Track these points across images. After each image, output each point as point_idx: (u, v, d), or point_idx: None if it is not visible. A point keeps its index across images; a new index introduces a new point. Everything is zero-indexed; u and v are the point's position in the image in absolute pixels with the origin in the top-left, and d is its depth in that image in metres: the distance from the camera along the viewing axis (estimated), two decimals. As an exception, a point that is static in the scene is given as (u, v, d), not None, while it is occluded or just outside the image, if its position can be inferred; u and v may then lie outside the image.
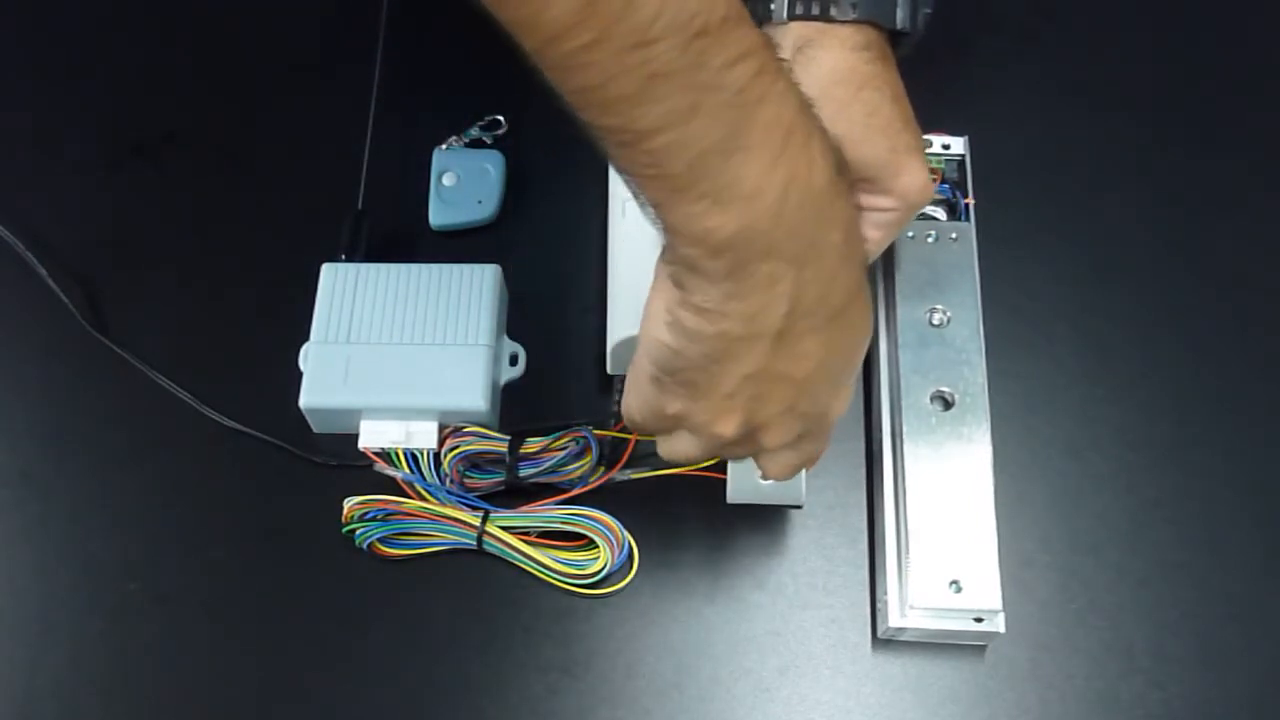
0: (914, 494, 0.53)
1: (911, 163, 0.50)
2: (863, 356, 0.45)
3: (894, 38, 0.51)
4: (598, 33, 0.34)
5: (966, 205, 0.61)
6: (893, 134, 0.50)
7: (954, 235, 0.58)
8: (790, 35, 0.50)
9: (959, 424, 0.54)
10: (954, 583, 0.51)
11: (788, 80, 0.38)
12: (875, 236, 0.52)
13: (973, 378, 0.55)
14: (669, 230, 0.40)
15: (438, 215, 0.63)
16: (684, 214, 0.38)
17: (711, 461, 0.50)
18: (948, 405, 0.55)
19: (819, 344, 0.42)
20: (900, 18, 0.50)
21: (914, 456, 0.54)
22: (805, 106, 0.39)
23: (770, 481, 0.56)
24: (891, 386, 0.56)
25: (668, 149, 0.36)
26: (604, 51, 0.34)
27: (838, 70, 0.49)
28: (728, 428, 0.43)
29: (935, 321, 0.57)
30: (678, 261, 0.41)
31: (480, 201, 0.64)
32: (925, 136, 0.62)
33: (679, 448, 0.47)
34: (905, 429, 0.54)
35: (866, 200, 0.51)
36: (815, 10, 0.49)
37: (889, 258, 0.59)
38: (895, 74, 0.51)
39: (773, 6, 0.50)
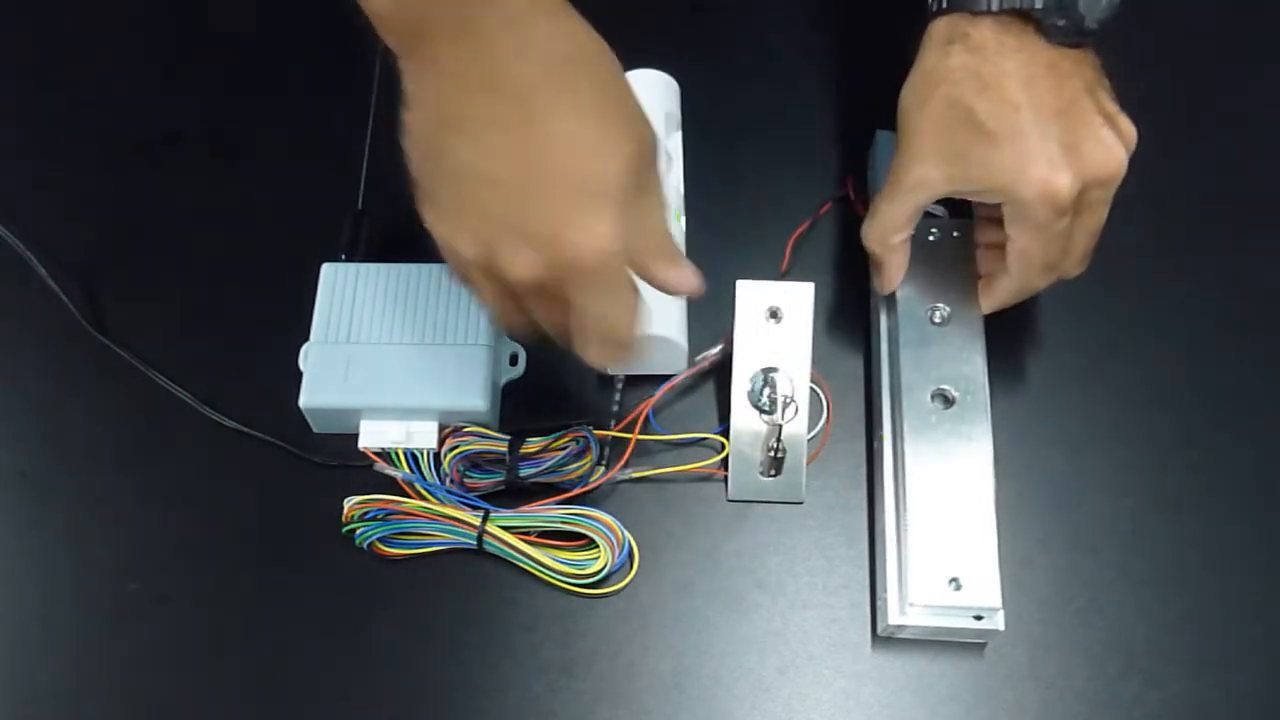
0: (914, 492, 0.53)
1: (997, 155, 0.49)
2: (605, 175, 0.42)
3: (1041, 27, 0.49)
4: None
5: (968, 204, 0.61)
6: (979, 128, 0.49)
7: (956, 233, 0.58)
8: (936, 32, 0.51)
9: (959, 422, 0.54)
10: (954, 580, 0.51)
11: None
12: (1014, 235, 0.51)
13: (973, 376, 0.55)
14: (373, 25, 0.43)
15: (438, 215, 0.63)
16: None
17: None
18: (948, 404, 0.55)
19: (505, 139, 0.41)
20: (989, 2, 0.49)
21: (914, 455, 0.54)
22: None
23: (770, 479, 0.56)
24: (892, 385, 0.56)
25: None
26: None
27: (918, 74, 0.51)
28: (459, 240, 0.43)
29: (936, 319, 0.57)
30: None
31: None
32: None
33: (478, 293, 0.45)
34: (906, 427, 0.54)
35: (991, 197, 0.51)
36: (945, 3, 0.50)
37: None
38: (991, 67, 0.49)
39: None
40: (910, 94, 0.52)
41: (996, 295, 0.56)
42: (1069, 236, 0.51)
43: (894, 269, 0.56)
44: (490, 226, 0.42)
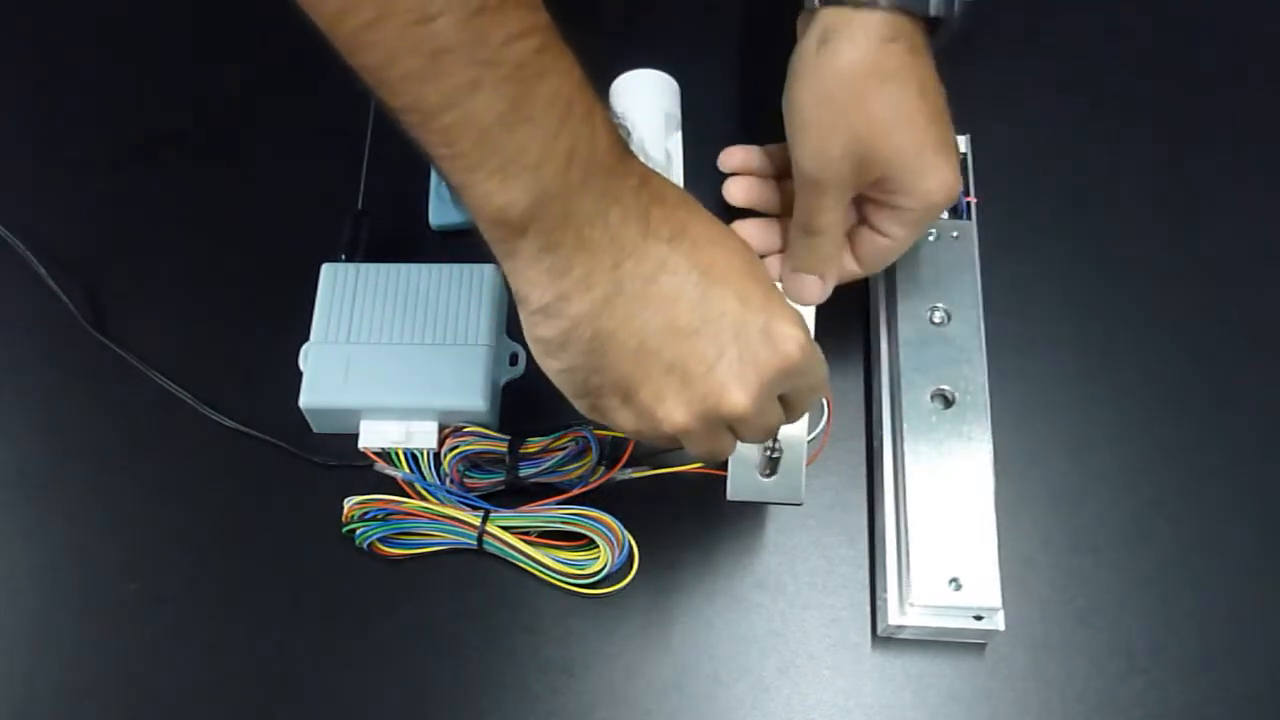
0: (914, 492, 0.53)
1: (934, 161, 0.50)
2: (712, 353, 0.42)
3: (931, 27, 0.50)
4: (380, 9, 0.35)
5: (968, 204, 0.61)
6: (916, 130, 0.49)
7: (955, 234, 0.58)
8: (818, 24, 0.50)
9: (959, 422, 0.54)
10: (954, 580, 0.51)
11: (570, 58, 0.40)
12: (898, 234, 0.53)
13: (973, 376, 0.55)
14: (476, 217, 0.40)
15: (438, 215, 0.63)
16: (481, 193, 0.39)
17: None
18: (948, 404, 0.55)
19: (678, 289, 0.41)
20: (935, 4, 0.49)
21: (914, 455, 0.54)
22: (585, 82, 0.40)
23: (770, 480, 0.56)
24: (892, 385, 0.56)
25: (455, 126, 0.37)
26: (387, 29, 0.35)
27: (861, 62, 0.49)
28: (672, 415, 0.42)
29: (936, 320, 0.57)
30: (496, 251, 0.41)
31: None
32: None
33: (690, 444, 0.45)
34: (906, 427, 0.54)
35: (887, 197, 0.51)
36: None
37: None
38: (927, 67, 0.50)
39: None
40: (841, 89, 0.50)
41: (827, 278, 0.55)
42: None
43: (839, 276, 0.56)
44: (693, 382, 0.42)
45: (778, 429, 0.47)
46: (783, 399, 0.45)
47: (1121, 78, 0.68)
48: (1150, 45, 0.69)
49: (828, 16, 0.50)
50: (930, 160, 0.50)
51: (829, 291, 0.56)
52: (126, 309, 0.62)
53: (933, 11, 0.49)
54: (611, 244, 0.40)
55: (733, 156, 0.61)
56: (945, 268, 0.58)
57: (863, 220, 0.54)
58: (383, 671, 0.54)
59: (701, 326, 0.41)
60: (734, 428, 0.44)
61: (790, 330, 0.42)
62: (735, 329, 0.42)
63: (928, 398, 0.55)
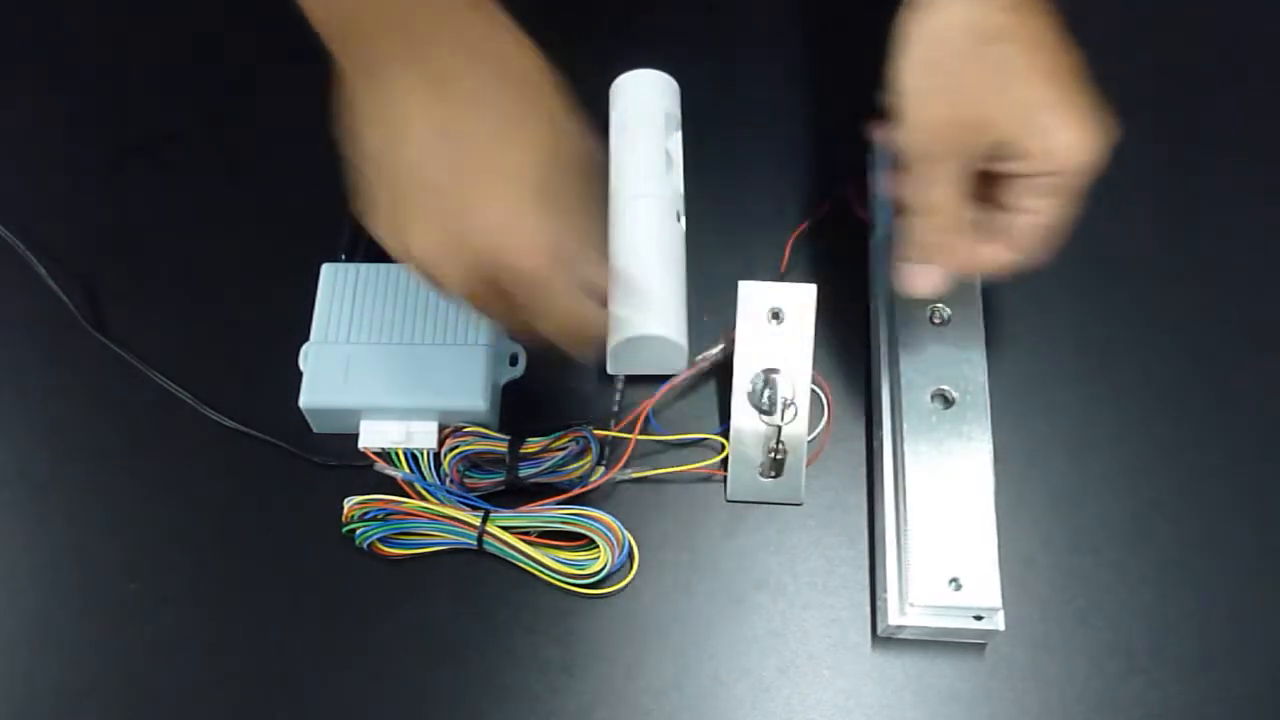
0: (914, 492, 0.53)
1: (1055, 117, 0.46)
2: (523, 176, 0.42)
3: None
4: None
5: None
6: (1029, 86, 0.46)
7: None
8: None
9: (959, 422, 0.54)
10: (954, 580, 0.51)
11: None
12: (1038, 206, 0.48)
13: (973, 376, 0.55)
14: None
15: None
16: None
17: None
18: (948, 404, 0.55)
19: (438, 144, 0.42)
20: None
21: (914, 455, 0.54)
22: None
23: (770, 480, 0.56)
24: (892, 385, 0.56)
25: None
26: None
27: (960, 22, 0.47)
28: (405, 246, 0.43)
29: (936, 320, 0.57)
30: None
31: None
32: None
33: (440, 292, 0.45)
34: (906, 427, 0.54)
35: (1012, 166, 0.48)
36: None
37: (889, 256, 0.59)
38: (1039, 24, 0.47)
39: None
40: (945, 50, 0.47)
41: (978, 266, 0.50)
42: None
43: (954, 263, 0.51)
44: (429, 232, 0.43)
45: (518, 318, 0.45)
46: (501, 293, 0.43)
47: (1121, 78, 0.68)
48: (1150, 46, 0.69)
49: None
50: (1050, 117, 0.46)
51: (947, 282, 0.51)
52: (126, 309, 0.62)
53: None
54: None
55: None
56: (945, 268, 0.58)
57: (1001, 204, 0.50)
58: (383, 671, 0.54)
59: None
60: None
61: (509, 240, 0.41)
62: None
63: (928, 398, 0.55)
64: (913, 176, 0.49)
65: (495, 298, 0.44)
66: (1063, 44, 0.48)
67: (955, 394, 0.55)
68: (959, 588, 0.51)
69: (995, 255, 0.50)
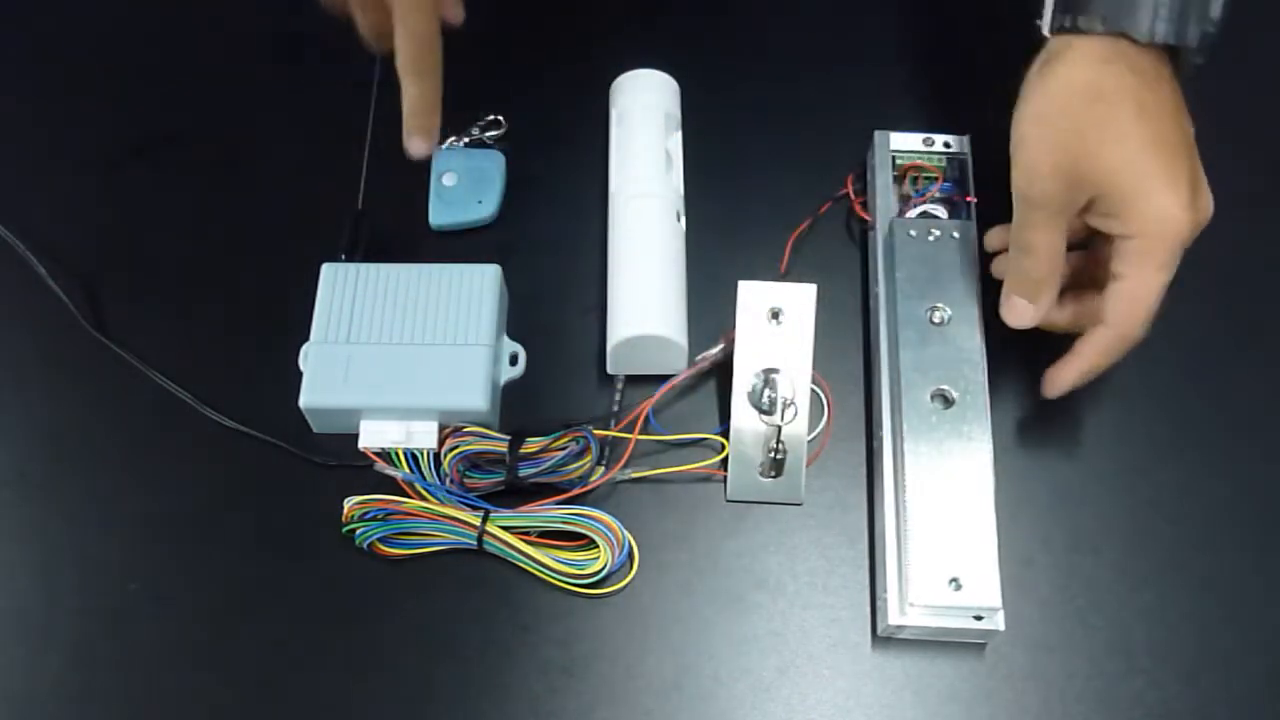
0: (914, 492, 0.53)
1: (1150, 185, 0.48)
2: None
3: (1173, 56, 0.50)
4: None
5: (969, 204, 0.61)
6: (1129, 150, 0.48)
7: (955, 234, 0.58)
8: (1045, 51, 0.51)
9: (959, 422, 0.54)
10: (954, 580, 0.51)
11: None
12: (1127, 274, 0.50)
13: (973, 376, 0.55)
14: None
15: (438, 215, 0.63)
16: None
17: None
18: (948, 403, 0.55)
19: None
20: (1154, 30, 0.49)
21: (914, 454, 0.54)
22: None
23: (770, 480, 0.56)
24: (892, 385, 0.56)
25: None
26: None
27: (1075, 81, 0.50)
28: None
29: (936, 320, 0.57)
30: None
31: (480, 201, 0.64)
32: (928, 135, 0.63)
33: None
34: (905, 427, 0.54)
35: (1105, 223, 0.51)
36: (1067, 23, 0.50)
37: (889, 256, 0.59)
38: (1153, 91, 0.49)
39: (1039, 23, 0.52)
40: (1052, 108, 0.50)
41: (1083, 357, 0.53)
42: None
43: (1051, 288, 0.54)
44: None
45: None
46: None
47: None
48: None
49: (1053, 43, 0.51)
50: (1146, 184, 0.48)
51: (1039, 316, 0.54)
52: (126, 309, 0.62)
53: (1144, 37, 0.49)
54: None
55: (995, 237, 0.59)
56: (945, 267, 0.58)
57: (1099, 264, 0.53)
58: (383, 671, 0.54)
59: None
60: None
61: None
62: None
63: (928, 397, 0.55)
64: (1017, 217, 0.53)
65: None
66: (1179, 113, 0.50)
67: (955, 394, 0.55)
68: (959, 588, 0.51)
69: (1085, 314, 0.54)
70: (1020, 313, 0.54)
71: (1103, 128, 0.49)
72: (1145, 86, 0.49)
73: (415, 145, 0.60)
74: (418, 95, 0.59)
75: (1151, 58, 0.50)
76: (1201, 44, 0.49)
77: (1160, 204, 0.48)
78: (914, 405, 0.55)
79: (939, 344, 0.56)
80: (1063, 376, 0.54)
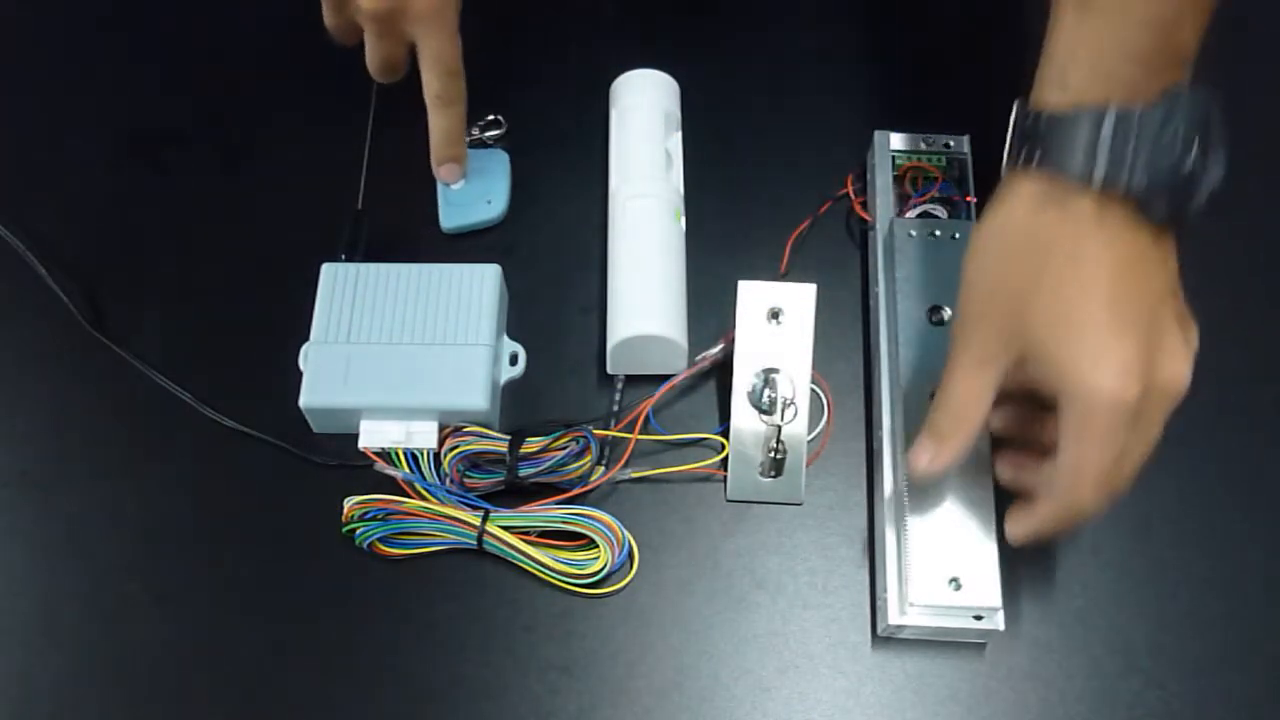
0: (914, 492, 0.53)
1: (1076, 350, 0.43)
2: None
3: (1142, 204, 0.43)
4: None
5: (968, 204, 0.61)
6: (1060, 301, 0.43)
7: (956, 234, 0.58)
8: (1001, 184, 0.47)
9: None
10: (954, 580, 0.51)
11: None
12: (1063, 446, 0.44)
13: None
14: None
15: (448, 218, 0.63)
16: None
17: None
18: None
19: None
20: (1090, 171, 0.42)
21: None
22: None
23: (770, 480, 0.56)
24: (892, 385, 0.56)
25: None
26: None
27: (1006, 226, 0.46)
28: None
29: (935, 320, 0.57)
30: None
31: (489, 201, 0.64)
32: (929, 135, 0.63)
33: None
34: (905, 426, 0.54)
35: (1041, 384, 0.46)
36: (1014, 158, 0.46)
37: (889, 256, 0.59)
38: (1100, 241, 0.43)
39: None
40: (988, 248, 0.47)
41: (1033, 519, 0.48)
42: (1122, 451, 0.44)
43: (958, 447, 0.49)
44: None
45: None
46: None
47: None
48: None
49: (1007, 178, 0.47)
50: (1074, 348, 0.43)
51: (939, 469, 0.49)
52: (126, 309, 0.62)
53: (1076, 179, 0.43)
54: None
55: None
56: (945, 268, 0.58)
57: (1045, 427, 0.48)
58: (383, 671, 0.54)
59: None
60: None
61: None
62: None
63: (928, 397, 0.55)
64: (948, 355, 0.49)
65: (391, 28, 0.56)
66: (1138, 266, 0.44)
67: None
68: (959, 588, 0.51)
69: (1028, 479, 0.49)
70: (918, 461, 0.49)
71: (1034, 279, 0.44)
72: (1086, 236, 0.43)
73: (448, 173, 0.62)
74: (447, 126, 0.60)
75: (1100, 203, 0.43)
76: (1156, 192, 0.42)
77: (1090, 370, 0.42)
78: (914, 405, 0.55)
79: (939, 344, 0.56)
80: (1015, 532, 0.49)
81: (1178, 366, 0.44)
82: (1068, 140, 0.43)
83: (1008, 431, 0.51)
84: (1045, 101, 0.45)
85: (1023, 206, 0.45)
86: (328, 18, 0.58)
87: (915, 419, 0.54)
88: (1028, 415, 0.50)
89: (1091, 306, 0.43)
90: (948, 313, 0.57)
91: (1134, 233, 0.43)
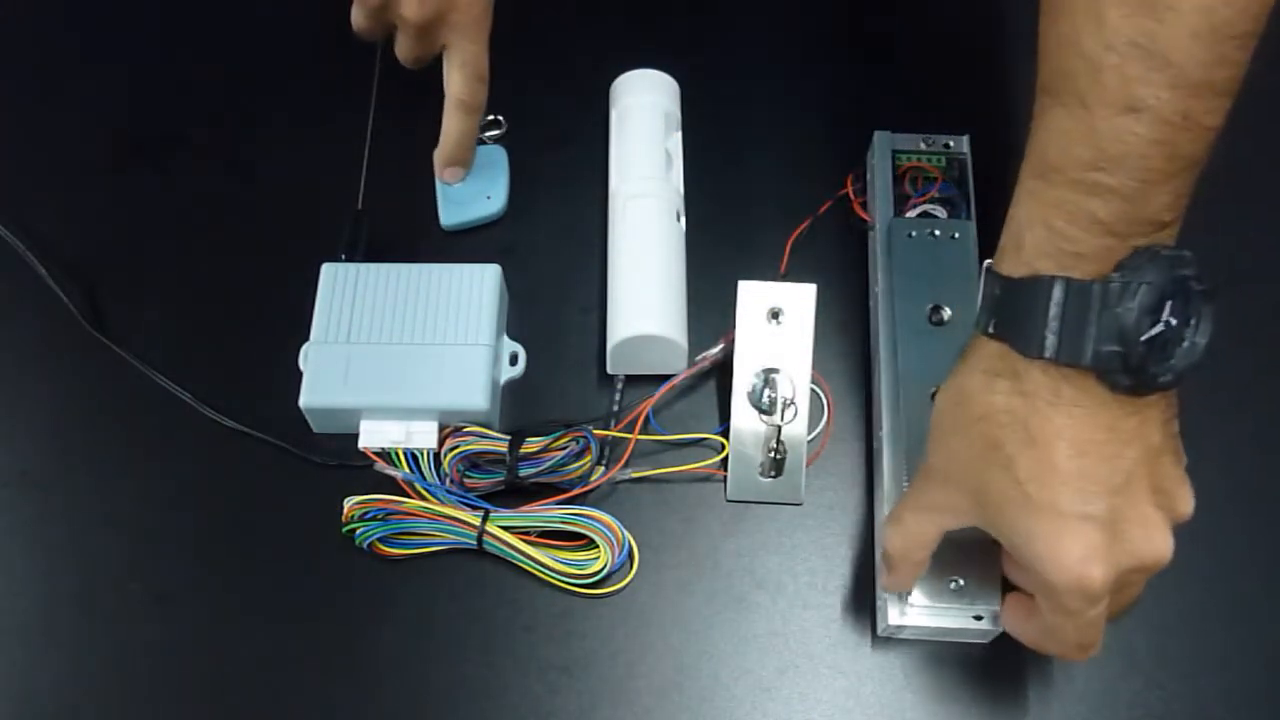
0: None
1: (1031, 529, 0.41)
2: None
3: (1103, 379, 0.40)
4: None
5: (968, 204, 0.61)
6: (1010, 488, 0.41)
7: (955, 234, 0.58)
8: (967, 342, 0.45)
9: None
10: (954, 580, 0.51)
11: None
12: (1038, 602, 0.44)
13: None
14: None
15: (448, 215, 0.63)
16: None
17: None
18: None
19: None
20: (1043, 343, 0.40)
21: (916, 453, 0.53)
22: None
23: (770, 480, 0.56)
24: (891, 385, 0.56)
25: None
26: None
27: (960, 392, 0.44)
28: None
29: (935, 320, 0.57)
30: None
31: (489, 197, 0.64)
32: (928, 136, 0.63)
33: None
34: (906, 427, 0.54)
35: (1009, 569, 0.46)
36: (977, 318, 0.44)
37: (889, 256, 0.59)
38: (1056, 417, 0.41)
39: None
40: (946, 412, 0.45)
41: (1024, 637, 0.47)
42: (1100, 615, 0.43)
43: (907, 578, 0.50)
44: None
45: None
46: None
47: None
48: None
49: (971, 340, 0.45)
50: (1029, 526, 0.41)
51: (899, 590, 0.51)
52: (126, 309, 0.62)
53: (1029, 351, 0.41)
54: None
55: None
56: (944, 268, 0.58)
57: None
58: (382, 671, 0.54)
59: None
60: None
61: None
62: None
63: (929, 396, 0.55)
64: (908, 489, 0.49)
65: (428, 33, 0.57)
66: (1094, 443, 0.41)
67: None
68: (959, 588, 0.51)
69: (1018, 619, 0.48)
70: (882, 579, 0.51)
71: (989, 455, 0.42)
72: (1038, 412, 0.41)
73: (451, 175, 0.63)
74: (462, 130, 0.61)
75: (1055, 376, 0.40)
76: (1113, 363, 0.39)
77: (1050, 559, 0.41)
78: (916, 405, 0.54)
79: (940, 344, 0.56)
80: (1014, 631, 0.48)
81: (1153, 539, 0.42)
82: (1020, 309, 0.41)
83: (1012, 579, 0.48)
84: (1003, 268, 0.43)
85: (979, 375, 0.43)
86: (357, 19, 0.58)
87: (916, 419, 0.54)
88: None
89: (1045, 491, 0.41)
90: (948, 312, 0.56)
91: (1097, 405, 0.41)
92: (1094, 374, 0.40)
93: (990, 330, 0.42)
